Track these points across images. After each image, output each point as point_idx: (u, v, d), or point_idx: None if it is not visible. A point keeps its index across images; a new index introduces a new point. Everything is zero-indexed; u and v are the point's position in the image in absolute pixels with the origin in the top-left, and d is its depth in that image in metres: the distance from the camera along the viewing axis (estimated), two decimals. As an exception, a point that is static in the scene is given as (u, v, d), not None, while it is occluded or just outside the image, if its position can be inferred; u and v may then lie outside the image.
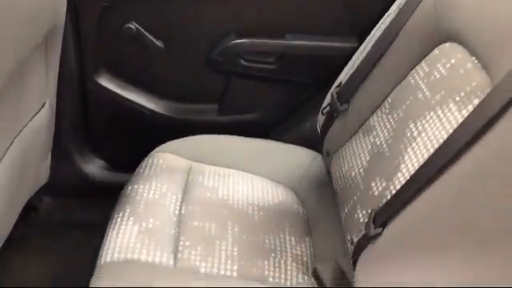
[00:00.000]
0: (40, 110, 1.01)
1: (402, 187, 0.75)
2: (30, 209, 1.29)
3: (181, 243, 0.91)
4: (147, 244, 0.88)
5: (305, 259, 0.95)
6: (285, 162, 1.18)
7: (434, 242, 0.65)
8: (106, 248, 0.87)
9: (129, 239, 0.88)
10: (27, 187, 1.10)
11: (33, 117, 0.98)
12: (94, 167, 1.34)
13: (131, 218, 0.92)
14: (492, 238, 0.57)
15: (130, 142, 1.33)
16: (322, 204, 1.08)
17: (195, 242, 0.91)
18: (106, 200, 1.03)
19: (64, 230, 1.32)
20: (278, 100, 1.34)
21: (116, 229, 0.90)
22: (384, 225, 0.77)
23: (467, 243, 0.59)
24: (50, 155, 1.17)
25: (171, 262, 0.87)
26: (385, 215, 0.77)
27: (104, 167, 1.36)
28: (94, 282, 0.82)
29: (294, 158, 1.19)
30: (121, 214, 0.94)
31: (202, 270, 0.87)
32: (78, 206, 1.35)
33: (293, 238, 0.99)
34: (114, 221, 0.92)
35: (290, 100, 1.35)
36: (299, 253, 0.96)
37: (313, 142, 1.24)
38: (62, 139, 1.25)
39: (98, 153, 1.34)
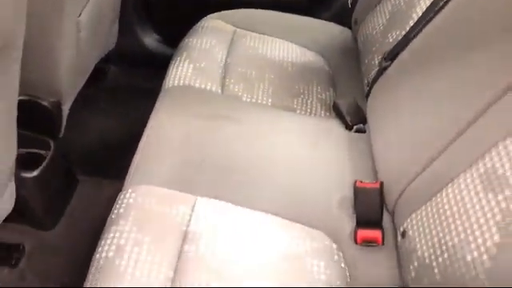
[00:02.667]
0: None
1: (411, 28, 0.92)
2: (99, 73, 1.53)
3: (226, 80, 1.12)
4: (200, 77, 1.10)
5: (328, 102, 1.15)
6: (317, 33, 1.36)
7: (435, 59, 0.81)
8: (168, 78, 1.09)
9: (186, 72, 1.10)
10: (99, 46, 1.32)
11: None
12: (152, 40, 1.56)
13: (187, 60, 1.14)
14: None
15: (183, 19, 1.52)
16: (346, 66, 1.26)
17: (238, 81, 1.13)
18: (160, 71, 1.21)
19: (126, 94, 1.55)
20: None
21: (176, 66, 1.12)
22: (393, 58, 0.95)
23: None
24: (117, 21, 1.39)
25: (219, 90, 1.09)
26: (394, 51, 0.95)
27: (160, 41, 1.58)
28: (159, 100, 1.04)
29: (326, 31, 1.37)
30: (179, 58, 1.15)
31: (244, 99, 1.09)
32: (138, 74, 1.58)
33: (319, 87, 1.18)
34: (174, 61, 1.14)
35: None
36: (323, 97, 1.16)
37: (343, 20, 1.41)
38: (126, 14, 1.46)
39: (156, 27, 1.55)
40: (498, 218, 0.61)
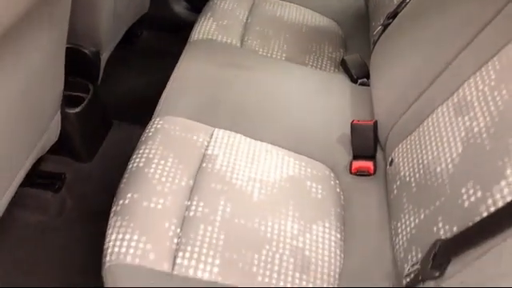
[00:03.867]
0: None
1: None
2: (133, 36, 1.68)
3: (245, 37, 1.26)
4: (222, 32, 1.24)
5: (337, 60, 1.26)
6: (332, 1, 1.48)
7: None
8: (193, 33, 1.23)
9: (209, 28, 1.24)
10: (134, 8, 1.46)
11: None
12: (180, 7, 1.70)
13: (211, 18, 1.27)
14: None
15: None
16: (357, 30, 1.38)
17: (256, 38, 1.26)
18: (186, 36, 1.32)
19: (155, 56, 1.69)
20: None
21: (201, 23, 1.26)
22: (394, 17, 1.06)
23: None
24: (150, -14, 1.53)
25: (238, 44, 1.22)
26: (396, 11, 1.06)
27: (188, 8, 1.71)
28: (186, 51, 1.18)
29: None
30: (204, 16, 1.29)
31: (260, 52, 1.22)
32: (166, 38, 1.72)
33: (330, 48, 1.30)
34: (199, 19, 1.28)
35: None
36: (333, 56, 1.28)
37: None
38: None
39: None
40: (463, 134, 0.72)
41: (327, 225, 0.87)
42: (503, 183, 0.59)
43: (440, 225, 0.67)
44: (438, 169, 0.75)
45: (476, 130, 0.70)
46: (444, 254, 0.59)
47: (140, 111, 1.10)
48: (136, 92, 1.51)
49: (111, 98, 1.37)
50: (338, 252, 0.84)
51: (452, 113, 0.77)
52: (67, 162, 1.24)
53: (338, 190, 0.94)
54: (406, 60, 0.96)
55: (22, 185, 1.01)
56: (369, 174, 0.97)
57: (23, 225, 1.18)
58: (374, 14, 1.29)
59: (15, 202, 1.00)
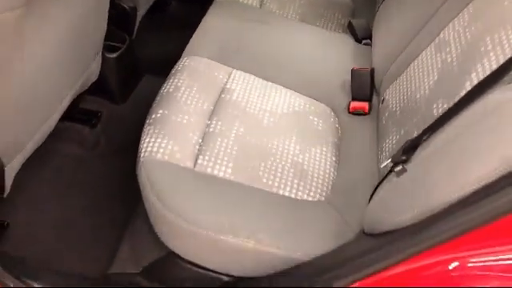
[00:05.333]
0: None
1: None
2: (163, 3, 1.85)
3: (264, 1, 1.41)
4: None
5: (345, 25, 1.41)
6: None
7: None
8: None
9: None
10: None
11: None
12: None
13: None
14: None
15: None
16: (366, 1, 1.52)
17: (273, 2, 1.41)
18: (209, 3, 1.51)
19: (183, 23, 1.85)
20: None
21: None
22: None
23: None
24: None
25: (258, 5, 1.39)
26: None
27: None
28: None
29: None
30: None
31: (277, 13, 1.38)
32: (193, 7, 1.88)
33: (340, 15, 1.45)
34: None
35: None
36: (342, 22, 1.43)
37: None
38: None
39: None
40: (440, 65, 0.87)
41: (324, 149, 1.02)
42: (462, 93, 0.74)
43: (414, 134, 0.82)
44: (418, 95, 0.90)
45: (449, 60, 0.85)
46: (411, 145, 0.74)
47: (167, 67, 1.26)
48: (164, 50, 1.67)
49: (143, 53, 1.54)
50: (332, 170, 0.99)
51: (433, 51, 0.92)
52: (103, 102, 1.41)
53: (336, 125, 1.09)
54: (401, 16, 1.11)
55: (63, 119, 1.18)
56: (364, 114, 1.11)
57: (62, 155, 1.36)
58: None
59: (55, 134, 1.17)
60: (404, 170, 0.72)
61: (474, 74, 0.74)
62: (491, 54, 0.74)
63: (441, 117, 0.72)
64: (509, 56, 0.68)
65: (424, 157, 0.70)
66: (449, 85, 0.80)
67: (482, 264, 0.60)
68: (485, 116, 0.62)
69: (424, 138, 0.73)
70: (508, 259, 0.56)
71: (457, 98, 0.74)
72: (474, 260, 0.60)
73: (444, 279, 0.61)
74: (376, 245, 0.67)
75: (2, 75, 0.79)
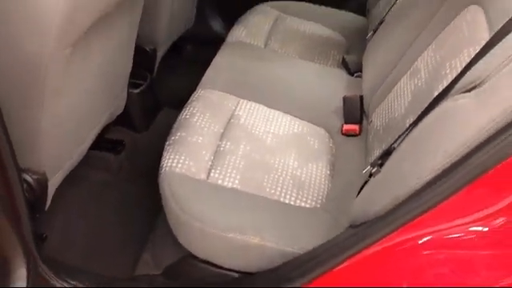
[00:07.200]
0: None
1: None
2: (178, 48, 2.06)
3: (268, 40, 1.61)
4: (250, 37, 1.61)
5: (340, 61, 1.59)
6: (341, 19, 1.84)
7: None
8: (228, 38, 1.59)
9: (240, 34, 1.61)
10: (182, 20, 1.83)
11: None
12: (218, 24, 2.08)
13: (242, 27, 1.64)
14: None
15: (243, 8, 2.01)
16: (358, 41, 1.71)
17: (277, 41, 1.62)
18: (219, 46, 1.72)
19: (197, 64, 2.06)
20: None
21: (234, 30, 1.62)
22: (382, 22, 1.40)
23: None
24: (195, 6, 1.91)
25: (262, 45, 1.59)
26: (383, 18, 1.40)
27: (224, 27, 2.09)
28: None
29: (347, 18, 1.85)
30: (237, 27, 1.66)
31: (279, 51, 1.56)
32: (205, 50, 2.08)
33: (335, 52, 1.64)
34: (233, 28, 1.64)
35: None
36: (337, 58, 1.61)
37: (364, 11, 1.87)
38: (199, 3, 1.99)
39: (222, 14, 2.07)
40: (413, 88, 1.04)
41: (320, 164, 1.18)
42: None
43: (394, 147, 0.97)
44: (396, 114, 1.06)
45: (420, 84, 1.02)
46: (386, 152, 0.89)
47: (183, 100, 1.44)
48: (181, 86, 1.86)
49: (162, 89, 1.73)
50: (327, 182, 1.14)
51: (409, 78, 1.09)
52: (127, 132, 1.59)
53: (331, 144, 1.25)
54: (384, 50, 1.29)
55: (91, 148, 1.35)
56: (355, 135, 1.27)
57: (90, 180, 1.53)
58: (370, 25, 1.62)
59: (84, 161, 1.34)
60: (379, 171, 0.87)
61: (436, 92, 0.91)
62: (449, 76, 0.90)
63: (409, 126, 0.88)
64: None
65: (393, 158, 0.85)
66: (419, 102, 0.96)
67: (446, 237, 0.74)
68: (436, 120, 0.78)
69: (395, 146, 0.88)
70: (457, 231, 0.71)
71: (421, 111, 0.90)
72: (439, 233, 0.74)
73: (415, 252, 0.76)
74: (354, 232, 0.81)
75: (51, 103, 0.97)
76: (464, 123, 0.73)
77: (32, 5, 0.81)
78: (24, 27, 0.85)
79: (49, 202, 1.17)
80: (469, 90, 0.76)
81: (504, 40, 0.77)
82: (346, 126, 1.28)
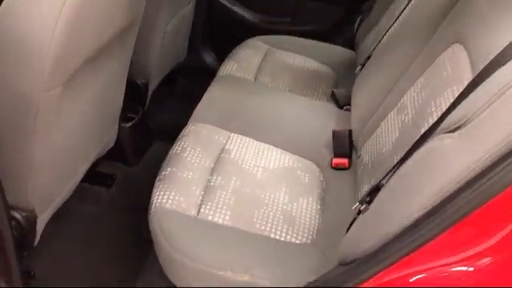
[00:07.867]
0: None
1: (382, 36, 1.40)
2: (171, 81, 2.08)
3: (258, 75, 1.64)
4: (241, 71, 1.63)
5: (329, 94, 1.61)
6: (329, 53, 1.87)
7: None
8: (219, 71, 1.61)
9: (231, 68, 1.63)
10: (175, 53, 1.86)
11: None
12: (210, 57, 2.11)
13: (233, 61, 1.67)
14: None
15: (235, 42, 2.05)
16: (346, 74, 1.74)
17: (267, 75, 1.64)
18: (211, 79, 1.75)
19: (189, 97, 2.08)
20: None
21: (225, 64, 1.65)
22: (370, 57, 1.43)
23: None
24: (188, 39, 1.94)
25: (253, 79, 1.60)
26: (371, 53, 1.43)
27: (216, 59, 2.12)
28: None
29: (336, 52, 1.89)
30: (228, 60, 1.69)
31: (269, 85, 1.59)
32: (198, 82, 2.10)
33: (324, 86, 1.66)
34: (224, 63, 1.67)
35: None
36: (326, 92, 1.63)
37: (352, 45, 1.91)
38: (192, 36, 2.02)
39: (214, 47, 2.11)
40: (400, 125, 1.05)
41: (310, 199, 1.18)
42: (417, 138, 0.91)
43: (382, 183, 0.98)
44: (384, 150, 1.08)
45: (406, 120, 1.04)
46: (374, 188, 0.91)
47: (175, 134, 1.45)
48: (172, 119, 1.88)
49: (153, 122, 1.74)
50: (317, 217, 1.15)
51: (396, 114, 1.11)
52: (118, 165, 1.59)
53: (321, 178, 1.26)
54: (373, 83, 1.31)
55: (82, 180, 1.35)
56: (345, 168, 1.29)
57: (81, 213, 1.52)
58: (359, 59, 1.65)
59: (75, 195, 1.34)
60: (367, 208, 0.87)
61: (423, 129, 0.92)
62: (434, 114, 0.92)
63: (396, 163, 0.89)
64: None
65: (381, 195, 0.86)
66: (406, 139, 0.98)
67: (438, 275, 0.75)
68: (423, 158, 0.79)
69: (383, 182, 0.90)
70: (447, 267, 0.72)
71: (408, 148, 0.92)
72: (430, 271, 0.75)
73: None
74: (345, 269, 0.82)
75: (42, 141, 0.98)
76: (449, 163, 0.75)
77: (23, 48, 0.83)
78: (15, 69, 0.86)
79: (38, 238, 1.17)
80: (453, 131, 0.78)
81: (486, 81, 0.79)
82: (336, 160, 1.29)
